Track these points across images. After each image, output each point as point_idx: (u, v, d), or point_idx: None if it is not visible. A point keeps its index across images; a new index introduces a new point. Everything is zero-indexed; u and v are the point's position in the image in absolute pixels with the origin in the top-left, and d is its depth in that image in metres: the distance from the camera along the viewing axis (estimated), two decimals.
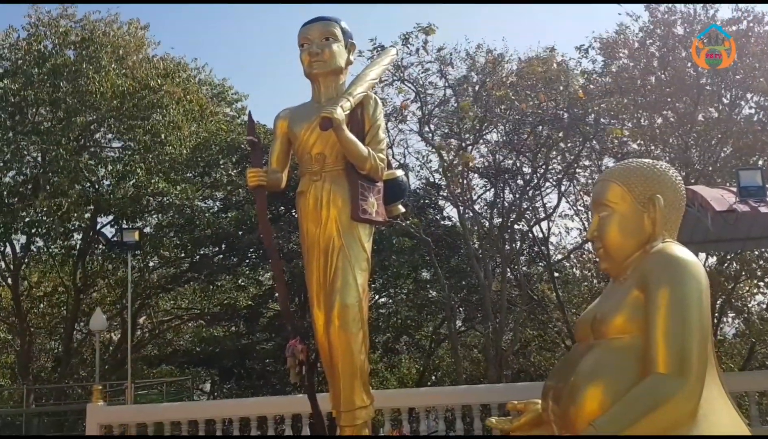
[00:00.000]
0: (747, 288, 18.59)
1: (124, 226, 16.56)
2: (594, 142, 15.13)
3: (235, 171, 18.16)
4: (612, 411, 2.28)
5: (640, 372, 2.33)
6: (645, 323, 2.37)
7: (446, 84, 15.35)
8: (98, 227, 19.17)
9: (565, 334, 16.98)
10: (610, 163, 14.71)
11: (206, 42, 45.58)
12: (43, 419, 17.25)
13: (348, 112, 4.15)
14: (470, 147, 15.71)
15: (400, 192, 4.63)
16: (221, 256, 19.36)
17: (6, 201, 17.06)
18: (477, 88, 15.16)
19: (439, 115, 15.62)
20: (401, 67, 14.68)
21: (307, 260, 4.39)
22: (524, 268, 18.58)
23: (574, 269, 19.82)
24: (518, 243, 17.87)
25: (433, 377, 21.49)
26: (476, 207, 16.88)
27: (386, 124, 11.43)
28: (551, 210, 17.04)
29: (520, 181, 16.35)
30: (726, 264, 16.57)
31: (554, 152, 16.05)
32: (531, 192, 16.40)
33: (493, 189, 16.73)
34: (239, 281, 20.95)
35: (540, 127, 14.93)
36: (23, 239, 18.15)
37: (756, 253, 15.76)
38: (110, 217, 18.62)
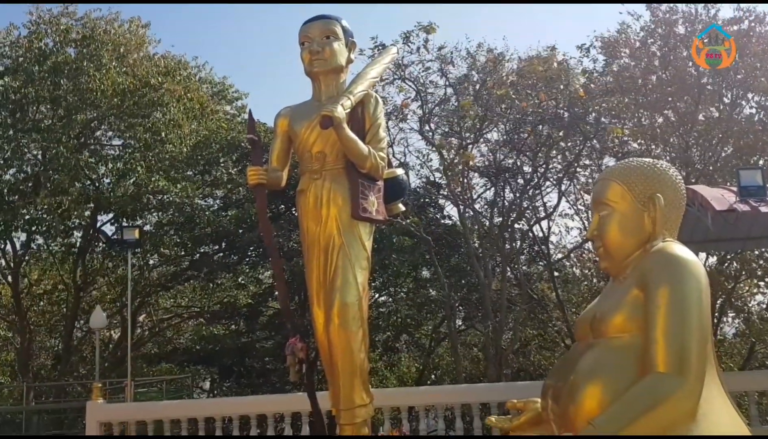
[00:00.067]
0: (747, 288, 18.60)
1: (125, 224, 16.53)
2: (594, 141, 15.12)
3: (235, 169, 18.16)
4: (611, 410, 2.28)
5: (639, 371, 2.33)
6: (645, 322, 2.37)
7: (447, 83, 15.35)
8: (98, 224, 19.17)
9: (565, 333, 16.99)
10: (610, 163, 14.71)
11: (206, 42, 45.62)
12: (43, 416, 17.27)
13: (348, 110, 4.15)
14: (471, 146, 15.71)
15: (400, 191, 4.64)
16: (221, 254, 19.36)
17: (6, 199, 17.05)
18: (477, 87, 15.16)
19: (440, 114, 15.61)
20: (402, 65, 14.68)
21: (307, 258, 4.39)
22: (524, 267, 18.58)
23: (574, 268, 19.83)
24: (518, 242, 17.88)
25: (433, 376, 21.49)
26: (476, 206, 16.91)
27: (387, 122, 11.46)
28: (551, 209, 17.06)
29: (520, 181, 16.35)
30: (726, 264, 16.58)
31: (555, 151, 16.05)
32: (531, 191, 16.40)
33: (493, 188, 16.73)
34: (239, 280, 20.96)
35: (540, 127, 14.92)
36: (23, 236, 18.14)
37: (756, 252, 15.76)
38: (110, 215, 18.63)
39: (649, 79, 15.81)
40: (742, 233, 8.23)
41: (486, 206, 17.26)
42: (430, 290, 19.14)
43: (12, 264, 19.27)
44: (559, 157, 16.37)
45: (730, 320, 19.47)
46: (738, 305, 18.55)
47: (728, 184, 9.42)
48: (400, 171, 4.74)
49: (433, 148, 15.80)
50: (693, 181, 13.38)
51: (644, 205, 2.60)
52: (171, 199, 17.74)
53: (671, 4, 15.60)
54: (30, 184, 17.45)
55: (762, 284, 18.02)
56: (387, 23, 41.51)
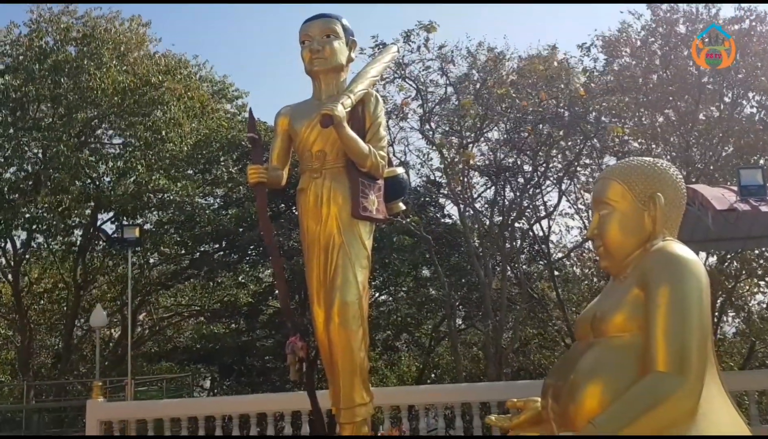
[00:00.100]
0: (747, 287, 18.59)
1: (125, 222, 16.54)
2: (595, 140, 15.11)
3: (235, 168, 18.17)
4: (611, 409, 2.28)
5: (639, 370, 2.33)
6: (645, 322, 2.37)
7: (447, 82, 15.34)
8: (99, 223, 19.18)
9: (565, 332, 16.99)
10: (610, 162, 14.70)
11: (206, 42, 45.63)
12: (43, 415, 17.29)
13: (349, 109, 4.15)
14: (471, 145, 15.69)
15: (400, 190, 4.64)
16: (221, 253, 19.37)
17: (7, 197, 17.05)
18: (478, 86, 15.15)
19: (440, 112, 15.60)
20: (402, 64, 14.66)
21: (307, 257, 4.39)
22: (524, 266, 18.57)
23: (575, 268, 19.83)
24: (518, 241, 17.87)
25: (433, 375, 21.49)
26: (477, 205, 16.90)
27: (387, 121, 11.44)
28: (552, 208, 17.06)
29: (520, 180, 16.35)
30: (726, 263, 16.57)
31: (555, 151, 16.03)
32: (531, 190, 16.39)
33: (493, 187, 16.73)
34: (239, 278, 20.96)
35: (541, 126, 14.91)
36: (24, 235, 18.14)
37: (756, 252, 15.75)
38: (111, 214, 18.64)
39: (649, 78, 15.80)
40: (742, 233, 8.23)
41: (486, 205, 17.28)
42: (431, 289, 19.14)
43: (12, 263, 19.27)
44: (559, 156, 16.36)
45: (730, 319, 19.49)
46: (738, 304, 18.56)
47: (729, 183, 9.42)
48: (400, 170, 4.74)
49: (434, 147, 15.80)
50: (693, 180, 13.38)
51: (645, 205, 2.60)
52: (171, 197, 17.74)
53: (672, 4, 15.60)
54: (30, 183, 17.45)
55: (762, 283, 18.02)
56: (388, 22, 41.58)
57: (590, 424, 2.27)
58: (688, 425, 2.28)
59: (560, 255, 19.05)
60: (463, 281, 17.89)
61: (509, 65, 15.62)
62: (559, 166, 16.42)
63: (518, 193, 16.42)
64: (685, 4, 15.49)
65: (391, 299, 20.05)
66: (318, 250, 4.28)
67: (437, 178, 17.38)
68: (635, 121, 16.10)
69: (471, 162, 15.35)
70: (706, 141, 15.54)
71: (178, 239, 19.11)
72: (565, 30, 38.68)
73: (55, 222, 17.14)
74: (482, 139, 16.05)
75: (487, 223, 16.85)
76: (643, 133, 15.51)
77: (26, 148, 17.16)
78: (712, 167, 15.05)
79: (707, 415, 2.31)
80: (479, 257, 15.96)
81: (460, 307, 18.71)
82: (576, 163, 16.05)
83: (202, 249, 19.35)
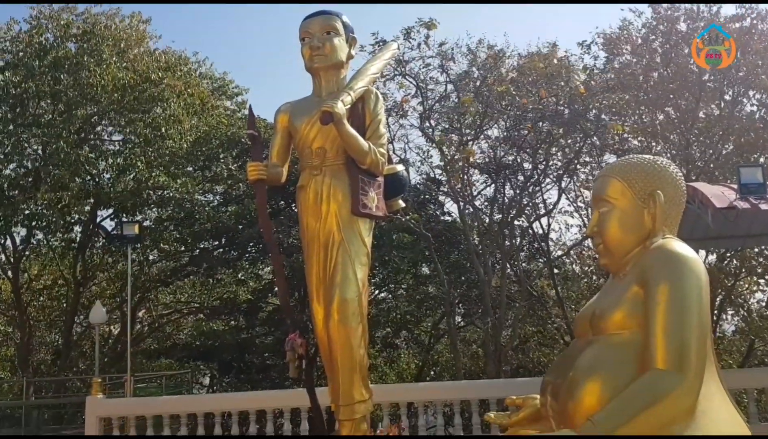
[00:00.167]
0: (747, 285, 18.61)
1: (124, 219, 16.55)
2: (595, 138, 15.10)
3: (235, 165, 18.16)
4: (610, 407, 2.28)
5: (638, 368, 2.33)
6: (644, 319, 2.37)
7: (447, 79, 15.34)
8: (98, 220, 19.17)
9: (564, 330, 17.01)
10: (610, 160, 14.68)
11: (206, 42, 45.58)
12: (43, 411, 17.30)
13: (349, 106, 4.15)
14: (471, 142, 15.69)
15: (400, 187, 4.63)
16: (221, 250, 19.37)
17: (6, 194, 17.05)
18: (478, 83, 15.13)
19: (440, 110, 15.60)
20: (402, 61, 14.65)
21: (307, 254, 4.39)
22: (524, 264, 18.58)
23: (574, 266, 19.83)
24: (518, 239, 17.88)
25: (432, 372, 21.51)
26: (476, 203, 16.90)
27: (387, 119, 11.44)
28: (551, 206, 17.08)
29: (520, 177, 16.35)
30: (726, 261, 16.58)
31: (555, 148, 16.03)
32: (531, 188, 16.40)
33: (493, 185, 16.73)
34: (239, 275, 20.96)
35: (541, 123, 14.91)
36: (23, 231, 18.14)
37: (756, 250, 15.76)
38: (110, 211, 18.65)
39: (650, 76, 15.79)
40: (742, 231, 8.23)
41: (486, 203, 17.27)
42: (430, 287, 19.15)
43: (12, 259, 19.27)
44: (559, 154, 16.36)
45: (729, 317, 19.50)
46: (737, 302, 18.58)
47: (729, 181, 9.43)
48: (400, 167, 4.74)
49: (434, 145, 15.79)
50: (693, 178, 13.38)
51: (644, 202, 2.60)
52: (171, 194, 17.74)
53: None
54: (30, 180, 17.44)
55: (762, 281, 18.03)
56: (388, 19, 41.50)
57: (589, 421, 2.27)
58: (687, 423, 2.28)
59: (560, 253, 19.08)
60: (463, 278, 17.89)
61: (509, 63, 15.61)
62: (559, 163, 16.43)
63: (518, 191, 16.42)
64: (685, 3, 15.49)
65: (390, 296, 20.06)
66: (318, 247, 4.28)
67: (437, 176, 17.40)
68: (635, 118, 16.09)
69: (471, 159, 15.34)
70: (706, 139, 15.54)
71: (178, 235, 19.12)
72: (566, 28, 38.68)
73: (54, 219, 17.12)
74: (482, 136, 16.06)
75: (487, 220, 16.85)
76: (644, 131, 15.50)
77: (26, 145, 17.15)
78: (712, 165, 15.05)
79: (706, 413, 2.31)
80: (479, 255, 15.97)
81: (460, 304, 18.72)
82: (576, 161, 16.05)
83: (202, 246, 19.35)
